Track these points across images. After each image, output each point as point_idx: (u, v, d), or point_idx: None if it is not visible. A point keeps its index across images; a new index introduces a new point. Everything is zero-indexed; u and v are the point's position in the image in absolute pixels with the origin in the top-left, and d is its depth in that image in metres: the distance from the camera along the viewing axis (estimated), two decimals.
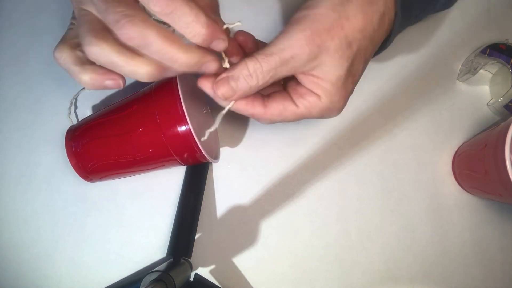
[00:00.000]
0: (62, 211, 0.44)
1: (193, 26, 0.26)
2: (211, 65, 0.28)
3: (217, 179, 0.45)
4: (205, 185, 0.44)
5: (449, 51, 0.48)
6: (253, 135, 0.46)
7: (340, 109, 0.31)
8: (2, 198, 0.44)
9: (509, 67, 0.44)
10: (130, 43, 0.26)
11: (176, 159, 0.38)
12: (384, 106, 0.46)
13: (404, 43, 0.48)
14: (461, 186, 0.45)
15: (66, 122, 0.43)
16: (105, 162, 0.39)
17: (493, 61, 0.45)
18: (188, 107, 0.35)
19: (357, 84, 0.46)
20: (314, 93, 0.30)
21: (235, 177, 0.45)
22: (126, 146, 0.37)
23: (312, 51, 0.28)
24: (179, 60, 0.27)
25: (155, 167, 0.40)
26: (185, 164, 0.40)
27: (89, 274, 0.42)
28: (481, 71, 0.45)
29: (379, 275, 0.43)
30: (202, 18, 0.26)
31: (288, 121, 0.31)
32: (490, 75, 0.47)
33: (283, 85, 0.33)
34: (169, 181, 0.44)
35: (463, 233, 0.44)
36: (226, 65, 0.30)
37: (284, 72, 0.29)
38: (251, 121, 0.46)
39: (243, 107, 0.30)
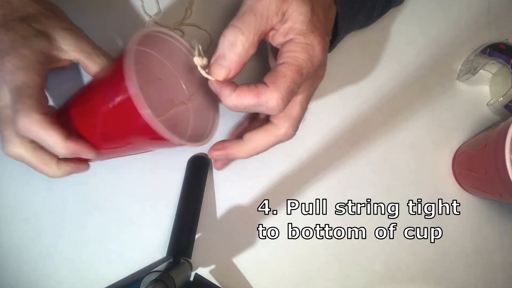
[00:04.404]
0: (62, 210, 0.44)
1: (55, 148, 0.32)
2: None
3: (217, 179, 0.45)
4: (205, 185, 0.44)
5: (449, 51, 0.48)
6: None
7: (321, 43, 0.31)
8: (2, 198, 0.44)
9: (509, 67, 0.44)
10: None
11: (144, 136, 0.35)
12: (384, 106, 0.46)
13: (404, 43, 0.48)
14: (461, 186, 0.45)
15: None
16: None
17: (493, 61, 0.45)
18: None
19: (357, 84, 0.47)
20: (289, 40, 0.31)
21: (235, 177, 0.45)
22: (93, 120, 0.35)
23: None
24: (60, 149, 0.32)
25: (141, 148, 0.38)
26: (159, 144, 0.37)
27: (89, 274, 0.42)
28: (481, 71, 0.45)
29: (379, 275, 0.43)
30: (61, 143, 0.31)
31: (290, 87, 0.30)
32: (490, 75, 0.47)
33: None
34: (169, 181, 0.44)
35: (463, 233, 0.44)
36: (203, 62, 0.31)
37: (262, 26, 0.30)
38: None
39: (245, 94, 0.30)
